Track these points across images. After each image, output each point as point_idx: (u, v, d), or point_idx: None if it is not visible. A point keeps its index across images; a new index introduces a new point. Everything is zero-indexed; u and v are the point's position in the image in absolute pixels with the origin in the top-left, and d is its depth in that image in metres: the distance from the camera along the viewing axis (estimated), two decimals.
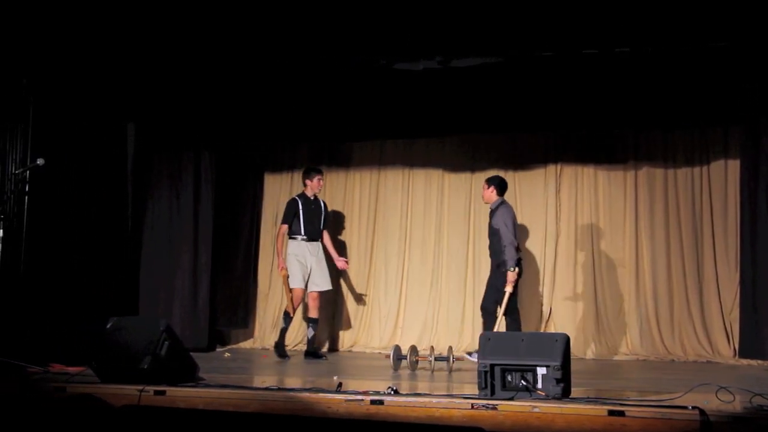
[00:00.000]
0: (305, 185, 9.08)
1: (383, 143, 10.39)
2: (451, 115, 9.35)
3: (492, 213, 8.40)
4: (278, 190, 10.61)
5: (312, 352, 8.87)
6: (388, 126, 9.73)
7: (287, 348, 9.02)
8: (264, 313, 10.43)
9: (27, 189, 7.46)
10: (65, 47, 7.87)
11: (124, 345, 5.47)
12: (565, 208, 9.80)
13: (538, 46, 7.74)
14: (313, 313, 8.92)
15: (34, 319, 7.40)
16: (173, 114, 9.36)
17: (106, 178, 8.73)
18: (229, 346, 10.18)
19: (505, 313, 8.04)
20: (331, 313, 10.12)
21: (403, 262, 10.22)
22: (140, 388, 5.00)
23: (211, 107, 9.40)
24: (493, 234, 8.28)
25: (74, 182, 8.16)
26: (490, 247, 8.37)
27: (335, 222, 10.16)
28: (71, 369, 5.97)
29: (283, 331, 8.85)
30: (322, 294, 9.01)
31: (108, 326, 5.64)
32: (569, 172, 9.84)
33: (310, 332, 8.92)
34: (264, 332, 10.35)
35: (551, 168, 9.89)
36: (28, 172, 7.28)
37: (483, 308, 8.31)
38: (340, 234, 10.29)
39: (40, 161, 6.92)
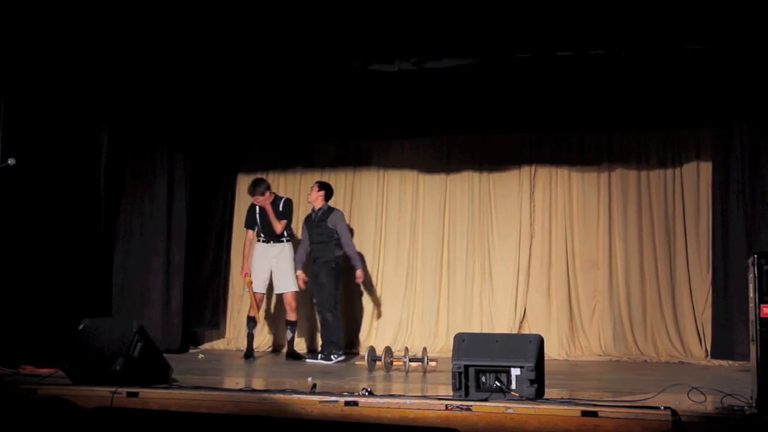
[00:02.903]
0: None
1: (358, 144, 10.38)
2: (426, 116, 9.37)
3: (324, 215, 8.78)
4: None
5: (292, 353, 8.84)
6: (362, 127, 9.73)
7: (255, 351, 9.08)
8: (238, 314, 10.39)
9: None
10: (37, 47, 7.80)
11: (96, 346, 5.43)
12: (539, 209, 9.84)
13: (513, 47, 7.77)
14: (291, 316, 8.89)
15: (4, 319, 7.32)
16: (147, 114, 9.31)
17: (79, 177, 8.66)
18: (202, 347, 10.14)
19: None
20: (306, 314, 10.08)
21: (378, 263, 10.21)
22: (113, 389, 4.97)
23: (185, 108, 9.36)
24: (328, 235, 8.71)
25: (46, 182, 8.08)
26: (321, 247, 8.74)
27: None
28: (42, 370, 5.92)
29: (250, 337, 8.87)
30: (296, 295, 8.95)
31: (80, 327, 5.60)
32: (543, 173, 9.87)
33: (289, 334, 8.91)
34: (238, 333, 10.30)
35: (525, 169, 9.91)
36: None
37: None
38: None
39: (11, 161, 6.83)
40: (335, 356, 8.41)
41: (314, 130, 9.93)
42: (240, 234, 10.51)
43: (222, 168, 10.52)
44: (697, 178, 9.40)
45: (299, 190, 10.28)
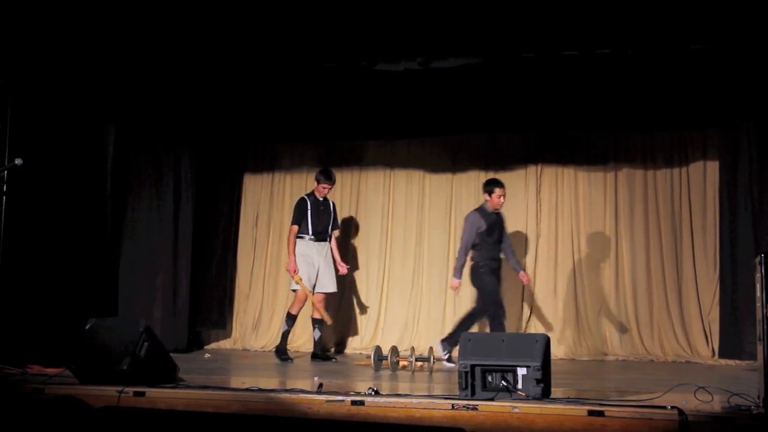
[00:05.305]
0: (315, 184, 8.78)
1: (364, 144, 10.38)
2: (432, 115, 9.35)
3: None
4: (259, 191, 10.60)
5: (319, 354, 8.63)
6: (369, 127, 9.71)
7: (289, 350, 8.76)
8: (244, 314, 10.41)
9: (4, 189, 7.40)
10: (44, 47, 7.81)
11: (103, 346, 5.43)
12: (546, 209, 9.84)
13: (519, 47, 7.76)
14: (320, 314, 8.61)
15: (11, 320, 7.33)
16: (153, 115, 9.31)
17: (86, 178, 8.66)
18: (208, 347, 10.14)
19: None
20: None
21: (384, 263, 10.22)
22: (120, 389, 4.97)
23: (191, 108, 9.35)
24: None
25: (53, 182, 8.09)
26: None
27: None
28: (49, 370, 5.92)
29: (285, 334, 8.61)
30: (327, 295, 8.79)
31: (87, 327, 5.61)
32: (550, 172, 9.87)
33: (317, 334, 8.64)
34: (244, 333, 10.32)
35: (532, 169, 9.92)
36: (5, 171, 7.21)
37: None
38: None
39: (18, 161, 6.83)
40: None
41: (320, 130, 9.92)
42: (247, 234, 10.55)
43: (228, 168, 10.52)
44: (703, 178, 9.39)
45: (305, 189, 10.25)
